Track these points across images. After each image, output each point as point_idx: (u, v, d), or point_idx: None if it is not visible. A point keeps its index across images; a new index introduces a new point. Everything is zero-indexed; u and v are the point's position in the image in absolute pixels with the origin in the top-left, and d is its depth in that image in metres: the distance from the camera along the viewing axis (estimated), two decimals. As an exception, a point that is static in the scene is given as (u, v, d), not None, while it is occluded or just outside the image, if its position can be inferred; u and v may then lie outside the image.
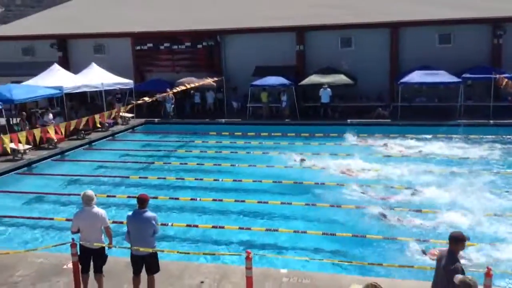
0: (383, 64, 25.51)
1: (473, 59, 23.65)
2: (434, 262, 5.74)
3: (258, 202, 12.33)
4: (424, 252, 9.14)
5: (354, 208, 11.64)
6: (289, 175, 14.67)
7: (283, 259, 8.75)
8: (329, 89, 23.71)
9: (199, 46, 27.85)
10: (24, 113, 20.14)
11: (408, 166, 15.06)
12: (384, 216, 11.03)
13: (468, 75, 22.87)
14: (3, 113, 18.45)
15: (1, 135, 11.84)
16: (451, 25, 24.54)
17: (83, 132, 20.41)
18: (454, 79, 22.59)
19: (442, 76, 22.78)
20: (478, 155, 16.67)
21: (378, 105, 23.85)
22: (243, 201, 12.49)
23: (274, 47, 26.47)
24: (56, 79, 21.68)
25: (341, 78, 24.16)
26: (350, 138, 19.59)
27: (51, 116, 20.24)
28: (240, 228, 10.76)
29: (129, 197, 12.47)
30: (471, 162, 15.73)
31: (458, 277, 4.86)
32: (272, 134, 20.55)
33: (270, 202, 12.26)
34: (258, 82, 24.42)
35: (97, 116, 16.49)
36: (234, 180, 14.42)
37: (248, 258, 6.76)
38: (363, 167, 15.30)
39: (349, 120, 22.80)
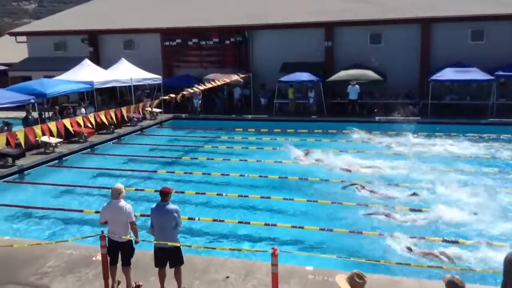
0: (413, 60, 25.08)
1: (507, 56, 23.02)
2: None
3: (284, 198, 12.33)
4: (409, 249, 9.21)
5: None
6: (315, 173, 14.59)
7: (308, 256, 8.70)
8: (357, 86, 23.45)
9: (227, 42, 27.92)
10: (57, 107, 20.62)
11: (434, 165, 14.78)
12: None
13: (501, 73, 22.25)
14: (36, 107, 18.91)
15: (34, 128, 12.12)
16: (484, 21, 23.94)
17: (112, 126, 20.76)
18: (486, 76, 22.01)
19: (474, 74, 22.22)
20: (509, 156, 16.23)
21: (408, 103, 23.41)
22: (269, 197, 12.49)
23: (302, 43, 26.34)
24: (87, 74, 22.12)
25: (369, 75, 23.84)
26: (372, 135, 19.39)
27: (83, 110, 20.67)
28: (265, 224, 10.76)
29: (156, 191, 12.54)
30: (500, 163, 15.31)
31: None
32: (299, 130, 20.46)
33: (296, 199, 12.24)
34: (286, 78, 24.33)
35: (124, 109, 16.70)
36: (260, 176, 14.42)
37: (274, 255, 6.73)
38: (388, 165, 15.13)
39: (377, 118, 22.50)
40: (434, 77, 22.53)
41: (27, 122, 17.38)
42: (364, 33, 25.78)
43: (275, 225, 10.69)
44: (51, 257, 8.77)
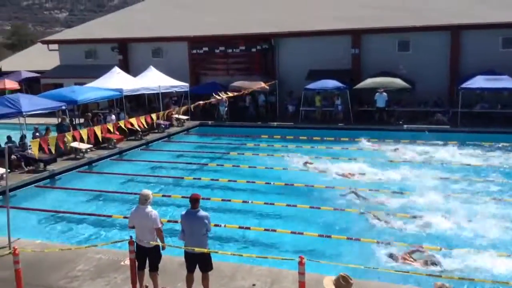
0: (442, 68, 24.70)
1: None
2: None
3: (310, 207, 12.26)
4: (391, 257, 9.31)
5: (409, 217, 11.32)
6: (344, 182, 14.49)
7: (336, 266, 8.59)
8: (385, 94, 23.20)
9: (253, 49, 28.07)
10: (89, 114, 21.06)
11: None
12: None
13: (534, 81, 21.68)
14: (67, 113, 19.37)
15: (66, 134, 12.43)
16: (515, 28, 23.38)
17: (140, 133, 21.08)
18: (519, 84, 21.47)
19: (506, 82, 21.69)
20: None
21: (437, 111, 23.05)
22: (295, 205, 12.44)
23: (329, 50, 26.29)
24: (116, 81, 22.56)
25: (397, 82, 23.55)
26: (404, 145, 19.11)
27: (113, 117, 21.06)
28: (292, 232, 10.71)
29: (183, 197, 12.71)
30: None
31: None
32: (325, 138, 20.35)
33: (323, 208, 12.16)
34: (312, 85, 24.27)
35: (154, 116, 16.96)
36: (286, 184, 14.39)
37: (301, 263, 6.70)
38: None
39: (405, 126, 22.20)
40: (464, 85, 22.07)
41: (61, 129, 17.80)
42: (392, 40, 25.54)
43: (301, 233, 10.63)
44: (81, 261, 8.93)
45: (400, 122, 22.66)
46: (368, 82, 24.02)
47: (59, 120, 18.76)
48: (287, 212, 12.20)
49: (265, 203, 12.68)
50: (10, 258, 7.65)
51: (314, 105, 25.07)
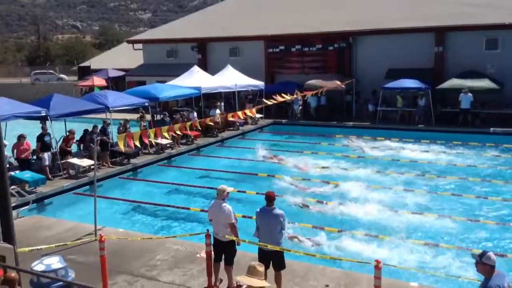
0: (534, 68, 22.87)
1: None
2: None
3: (389, 210, 11.91)
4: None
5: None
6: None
7: (414, 272, 8.28)
8: (470, 94, 21.91)
9: (330, 48, 27.71)
10: (181, 114, 21.63)
11: None
12: None
13: None
14: (149, 110, 20.30)
15: (148, 130, 13.05)
16: None
17: (216, 130, 21.59)
18: None
19: None
20: None
21: (527, 113, 21.43)
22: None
23: (410, 48, 25.28)
24: (195, 79, 23.30)
25: (484, 83, 22.15)
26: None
27: (195, 114, 21.77)
28: (366, 234, 10.45)
29: (258, 193, 12.87)
30: None
31: None
32: (404, 139, 19.64)
33: (402, 212, 11.77)
34: (391, 84, 23.51)
35: (230, 115, 17.29)
36: (360, 185, 14.05)
37: (377, 267, 6.50)
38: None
39: (492, 129, 20.84)
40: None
41: (162, 124, 18.60)
42: (479, 38, 24.05)
43: (377, 236, 10.34)
44: (160, 251, 9.31)
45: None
46: (453, 82, 22.79)
47: (140, 116, 19.64)
48: (361, 214, 11.89)
49: (339, 203, 12.47)
50: (96, 245, 8.14)
51: (394, 105, 24.25)
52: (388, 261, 8.04)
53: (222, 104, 24.56)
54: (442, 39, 24.86)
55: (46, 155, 14.72)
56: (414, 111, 23.66)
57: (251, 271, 5.36)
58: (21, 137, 14.63)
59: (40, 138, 15.07)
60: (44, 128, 15.29)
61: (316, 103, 26.25)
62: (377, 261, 6.58)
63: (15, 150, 14.58)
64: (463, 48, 24.31)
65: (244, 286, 5.24)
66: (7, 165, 12.66)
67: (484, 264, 5.02)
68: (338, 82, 24.31)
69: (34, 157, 15.17)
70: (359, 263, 7.56)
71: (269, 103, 18.26)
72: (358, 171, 15.75)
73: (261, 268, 5.41)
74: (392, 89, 23.58)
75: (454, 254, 9.37)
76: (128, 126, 17.70)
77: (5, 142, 13.04)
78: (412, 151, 18.52)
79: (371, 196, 12.98)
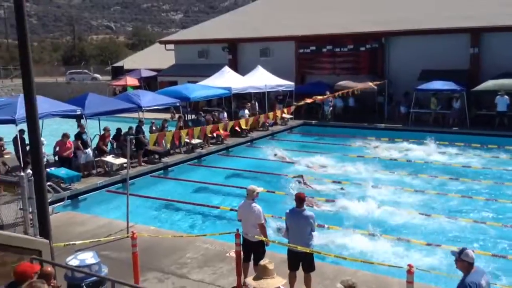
0: None
1: None
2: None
3: (420, 213, 11.70)
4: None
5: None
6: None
7: (445, 277, 8.08)
8: (506, 97, 21.27)
9: (362, 48, 27.39)
10: (201, 113, 21.84)
11: None
12: None
13: None
14: (181, 110, 20.54)
15: (180, 131, 13.24)
16: None
17: (245, 130, 21.66)
18: None
19: None
20: None
21: None
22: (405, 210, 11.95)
23: (444, 49, 24.72)
24: (225, 80, 23.44)
25: (523, 85, 21.43)
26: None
27: (225, 114, 21.91)
28: (398, 238, 10.28)
29: (286, 194, 12.84)
30: None
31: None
32: (437, 142, 19.23)
33: (434, 215, 11.53)
34: (425, 86, 23.04)
35: (261, 116, 17.29)
36: (395, 188, 13.86)
37: (409, 272, 6.38)
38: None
39: (529, 132, 20.19)
40: None
41: (197, 123, 19.01)
42: (517, 39, 23.32)
43: (409, 240, 10.15)
44: (190, 249, 9.40)
45: None
46: (489, 84, 22.15)
47: (178, 116, 19.87)
48: (393, 218, 11.71)
49: (371, 206, 12.30)
50: (128, 241, 8.29)
51: (427, 106, 23.76)
52: (420, 266, 7.88)
53: (256, 104, 24.56)
54: (478, 40, 24.21)
55: (83, 153, 15.06)
56: (448, 114, 23.14)
57: (261, 271, 5.06)
58: (64, 136, 14.90)
59: (78, 136, 15.44)
60: (81, 126, 15.65)
61: (343, 104, 26.00)
62: (410, 265, 6.47)
63: (57, 148, 14.93)
64: (499, 50, 23.60)
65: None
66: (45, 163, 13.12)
67: (462, 261, 5.11)
68: (370, 83, 23.99)
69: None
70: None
71: (304, 102, 18.15)
72: (389, 173, 15.52)
73: (271, 265, 5.11)
74: (426, 91, 23.10)
75: (489, 260, 9.11)
76: (166, 125, 17.90)
77: (42, 139, 13.49)
78: (445, 154, 18.13)
79: (402, 199, 12.77)
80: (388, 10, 29.27)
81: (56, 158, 15.24)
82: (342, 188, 13.93)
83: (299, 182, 14.35)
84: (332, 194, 13.52)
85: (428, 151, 18.51)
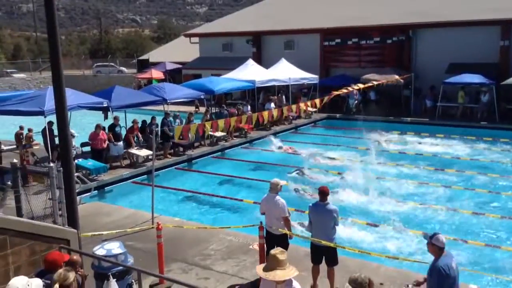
0: None
1: None
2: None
3: (448, 209, 11.52)
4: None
5: None
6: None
7: (475, 274, 7.97)
8: (537, 90, 20.69)
9: (389, 41, 26.98)
10: (237, 107, 21.75)
11: None
12: None
13: None
14: (205, 103, 20.65)
15: (205, 123, 13.32)
16: None
17: (270, 123, 21.61)
18: None
19: None
20: None
21: None
22: (430, 205, 11.78)
23: (473, 42, 24.15)
24: (249, 73, 23.43)
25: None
26: None
27: (249, 107, 21.94)
28: (424, 233, 10.09)
29: (316, 188, 12.77)
30: None
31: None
32: (465, 137, 18.85)
33: (461, 210, 11.36)
34: (452, 79, 22.57)
35: (285, 109, 17.22)
36: (419, 183, 13.66)
37: (435, 268, 6.30)
38: None
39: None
40: None
41: (220, 115, 19.09)
42: (551, 31, 22.58)
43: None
44: (214, 241, 9.48)
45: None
46: (520, 77, 21.57)
47: (196, 109, 20.01)
48: (417, 212, 11.56)
49: (397, 201, 12.17)
50: (153, 232, 8.40)
51: (454, 100, 23.28)
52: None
53: (284, 97, 24.42)
54: (509, 33, 23.55)
55: (115, 145, 15.28)
56: (476, 107, 22.63)
57: (272, 262, 4.63)
58: (97, 127, 14.92)
59: (111, 128, 15.65)
60: (116, 119, 15.86)
61: (362, 97, 25.72)
62: (435, 261, 6.37)
63: (91, 139, 15.06)
64: (532, 42, 22.94)
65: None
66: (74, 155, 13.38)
67: (433, 245, 5.36)
68: (397, 77, 23.62)
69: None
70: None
71: (333, 95, 17.97)
72: (414, 168, 15.33)
73: (282, 255, 4.66)
74: (454, 84, 22.63)
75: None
76: (192, 118, 18.02)
77: (72, 132, 13.75)
78: (473, 148, 17.76)
79: (428, 194, 12.59)
80: (416, 1, 28.69)
81: (89, 149, 15.43)
82: (342, 178, 14.07)
83: (298, 174, 14.66)
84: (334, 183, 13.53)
85: (455, 145, 18.17)
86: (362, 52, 27.95)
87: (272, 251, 4.73)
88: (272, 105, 22.03)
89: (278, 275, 4.53)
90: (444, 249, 5.35)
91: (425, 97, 24.62)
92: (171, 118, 17.46)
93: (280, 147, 18.73)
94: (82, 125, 15.74)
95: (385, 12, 28.05)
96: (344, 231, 9.72)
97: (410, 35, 26.37)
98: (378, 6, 29.59)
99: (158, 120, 17.07)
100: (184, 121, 18.01)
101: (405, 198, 12.44)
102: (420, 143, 19.01)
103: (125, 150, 15.78)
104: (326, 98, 17.52)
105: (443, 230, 10.38)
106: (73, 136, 14.17)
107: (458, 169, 14.99)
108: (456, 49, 24.48)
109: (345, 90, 17.81)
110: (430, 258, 5.55)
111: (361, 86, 20.71)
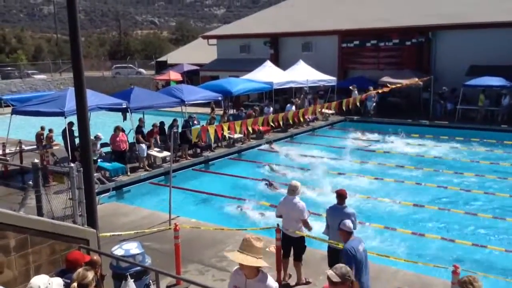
0: None
1: None
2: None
3: (466, 213, 11.34)
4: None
5: None
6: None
7: (492, 279, 7.81)
8: (560, 94, 20.25)
9: (408, 43, 26.69)
10: (254, 109, 21.64)
11: None
12: None
13: None
14: (222, 104, 20.70)
15: (222, 124, 13.35)
16: None
17: (289, 125, 21.58)
18: None
19: None
20: None
21: None
22: (448, 209, 11.61)
23: (494, 44, 23.77)
24: (267, 74, 23.41)
25: None
26: None
27: (271, 109, 21.82)
28: (442, 238, 10.00)
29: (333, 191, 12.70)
30: None
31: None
32: (485, 140, 18.55)
33: (480, 215, 11.16)
34: (473, 82, 22.23)
35: (301, 111, 17.22)
36: (438, 186, 13.49)
37: (455, 273, 6.21)
38: None
39: None
40: None
41: (237, 117, 19.01)
42: None
43: (453, 240, 9.86)
44: (230, 243, 9.48)
45: None
46: (542, 80, 21.16)
47: (212, 111, 20.02)
48: (437, 216, 11.41)
49: (414, 205, 12.05)
50: (170, 233, 8.45)
51: (474, 103, 22.93)
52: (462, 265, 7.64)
53: (306, 100, 24.10)
54: (531, 34, 23.13)
55: (141, 147, 15.36)
56: (497, 110, 22.25)
57: (245, 246, 4.17)
58: (116, 129, 14.93)
59: (138, 130, 15.70)
60: (141, 120, 15.98)
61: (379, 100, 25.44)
62: (455, 266, 6.30)
63: (112, 142, 15.04)
64: (556, 43, 22.47)
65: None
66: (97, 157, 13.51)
67: (342, 230, 6.18)
68: (417, 79, 23.35)
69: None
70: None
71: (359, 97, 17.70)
72: (433, 171, 15.15)
73: (258, 243, 4.18)
74: (475, 87, 22.28)
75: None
76: (213, 122, 18.05)
77: (99, 135, 13.85)
78: (493, 152, 17.47)
79: (446, 197, 12.43)
80: (435, 3, 28.35)
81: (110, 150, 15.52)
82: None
83: (267, 185, 14.07)
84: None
85: (474, 149, 17.91)
86: (381, 54, 27.72)
87: (248, 235, 4.32)
88: (271, 109, 21.75)
89: (247, 259, 4.07)
90: (352, 234, 6.16)
91: (445, 100, 24.28)
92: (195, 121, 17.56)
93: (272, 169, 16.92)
94: (98, 126, 15.85)
95: (404, 14, 27.78)
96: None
97: (430, 37, 26.07)
98: (397, 8, 29.32)
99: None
100: (200, 122, 18.08)
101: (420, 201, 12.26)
102: (453, 147, 18.65)
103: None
104: (359, 97, 17.31)
105: (462, 234, 10.24)
106: (100, 139, 14.31)
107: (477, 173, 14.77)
108: (476, 51, 24.10)
109: (374, 92, 17.61)
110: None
111: (385, 89, 20.60)
